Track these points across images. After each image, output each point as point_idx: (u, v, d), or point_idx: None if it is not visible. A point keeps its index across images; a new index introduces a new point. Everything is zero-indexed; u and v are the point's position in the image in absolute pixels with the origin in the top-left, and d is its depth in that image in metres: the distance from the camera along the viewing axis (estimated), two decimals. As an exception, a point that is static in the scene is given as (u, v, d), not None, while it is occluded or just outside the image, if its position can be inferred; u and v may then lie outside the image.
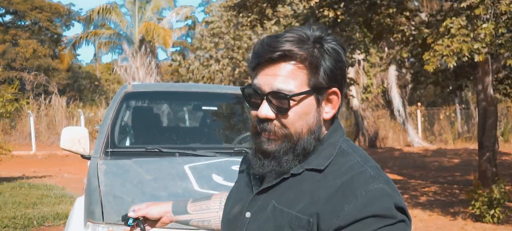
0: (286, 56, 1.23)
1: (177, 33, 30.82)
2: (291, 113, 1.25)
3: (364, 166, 1.24)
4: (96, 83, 36.67)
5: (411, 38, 9.02)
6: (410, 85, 18.92)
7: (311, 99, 1.26)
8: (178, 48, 35.58)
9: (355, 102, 19.86)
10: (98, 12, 27.27)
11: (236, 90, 4.86)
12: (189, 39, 35.22)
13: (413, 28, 9.16)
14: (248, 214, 1.32)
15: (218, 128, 4.69)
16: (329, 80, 1.26)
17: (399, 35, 9.25)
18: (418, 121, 21.92)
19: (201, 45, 17.51)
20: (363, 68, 19.02)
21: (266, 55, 1.23)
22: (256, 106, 1.28)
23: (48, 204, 7.88)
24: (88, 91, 36.55)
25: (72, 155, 19.32)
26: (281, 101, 1.24)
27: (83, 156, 3.71)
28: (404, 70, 17.34)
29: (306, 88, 1.25)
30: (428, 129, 22.26)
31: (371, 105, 20.99)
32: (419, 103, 24.04)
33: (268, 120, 1.26)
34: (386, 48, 12.75)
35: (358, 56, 11.12)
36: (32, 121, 21.01)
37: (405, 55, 10.26)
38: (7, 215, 6.79)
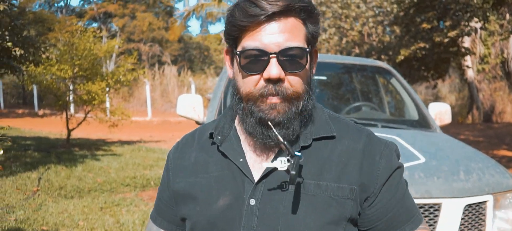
0: (288, 11, 1.12)
1: (284, 3, 30.96)
2: (303, 70, 1.16)
3: (363, 127, 1.29)
4: (205, 53, 38.07)
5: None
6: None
7: (307, 56, 1.17)
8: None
9: (470, 74, 18.65)
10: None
11: (344, 59, 4.81)
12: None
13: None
14: (252, 201, 1.17)
15: (325, 97, 4.69)
16: (314, 37, 1.20)
17: (525, 0, 8.49)
18: (542, 94, 20.12)
19: (308, 14, 17.35)
20: (480, 37, 17.74)
21: (268, 10, 1.09)
22: (258, 69, 1.14)
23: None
24: (198, 61, 38.08)
25: (184, 122, 20.25)
26: (297, 58, 1.13)
27: (197, 122, 3.91)
28: (528, 39, 15.88)
29: (306, 44, 1.17)
30: (554, 103, 20.37)
31: (487, 77, 19.58)
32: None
33: (278, 81, 1.13)
34: (507, 15, 11.78)
35: (475, 24, 10.39)
36: (148, 89, 22.36)
37: (530, 22, 9.41)
38: (128, 174, 7.39)
